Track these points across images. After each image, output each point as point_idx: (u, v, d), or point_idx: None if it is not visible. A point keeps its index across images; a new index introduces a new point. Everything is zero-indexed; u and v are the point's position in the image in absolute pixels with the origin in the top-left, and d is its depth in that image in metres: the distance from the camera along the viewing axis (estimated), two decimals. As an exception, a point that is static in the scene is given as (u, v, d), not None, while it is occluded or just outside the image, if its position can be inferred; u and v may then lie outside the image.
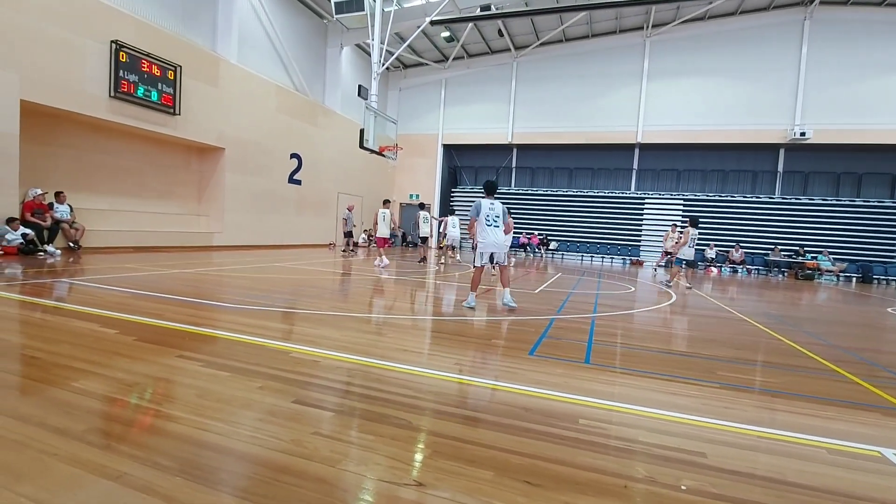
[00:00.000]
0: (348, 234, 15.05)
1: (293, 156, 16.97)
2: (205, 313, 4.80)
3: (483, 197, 6.32)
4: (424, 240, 13.61)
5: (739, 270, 19.05)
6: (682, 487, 1.93)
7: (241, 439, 2.10)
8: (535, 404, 2.78)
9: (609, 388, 3.18)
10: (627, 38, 20.85)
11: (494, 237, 6.15)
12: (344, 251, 15.60)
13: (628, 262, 21.11)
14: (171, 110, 12.10)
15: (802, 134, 18.47)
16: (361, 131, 12.53)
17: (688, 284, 11.25)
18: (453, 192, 24.53)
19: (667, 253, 13.58)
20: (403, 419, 2.43)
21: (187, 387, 2.73)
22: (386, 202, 12.31)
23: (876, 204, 18.74)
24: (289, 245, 16.81)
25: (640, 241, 21.43)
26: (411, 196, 24.65)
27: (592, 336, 4.81)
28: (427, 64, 23.14)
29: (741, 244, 19.49)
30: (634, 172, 22.17)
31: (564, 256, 22.22)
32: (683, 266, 11.12)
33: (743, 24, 19.43)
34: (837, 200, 19.19)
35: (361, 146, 12.62)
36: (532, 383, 3.16)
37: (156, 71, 11.64)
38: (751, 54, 19.35)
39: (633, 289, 10.37)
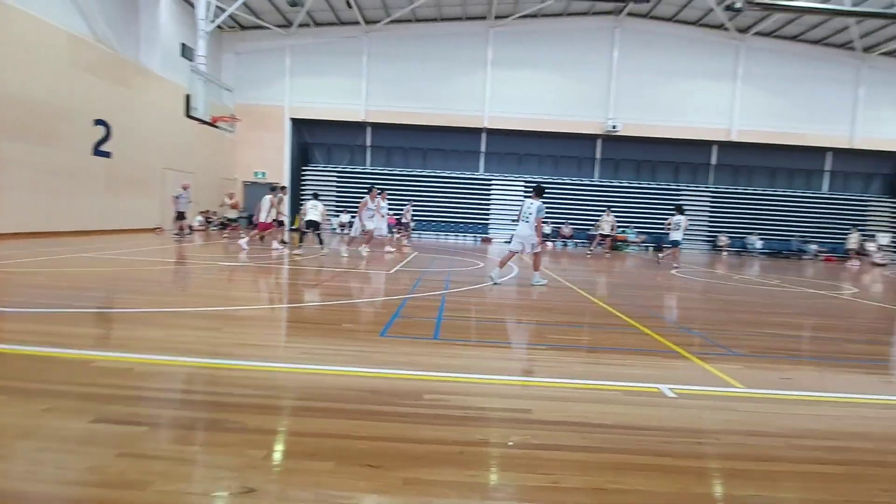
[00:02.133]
0: (180, 216, 13.25)
1: (99, 122, 14.12)
2: (-32, 321, 3.78)
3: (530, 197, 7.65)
4: (311, 225, 12.06)
5: (569, 244, 21.84)
6: (510, 443, 2.14)
7: (12, 479, 1.70)
8: (383, 385, 2.81)
9: (454, 360, 3.36)
10: (473, 26, 21.82)
11: (521, 230, 7.56)
12: (177, 235, 13.72)
13: (479, 239, 22.63)
14: None
15: (614, 127, 21.67)
16: (188, 97, 10.98)
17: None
18: (304, 170, 23.21)
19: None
20: (236, 422, 2.23)
21: (-68, 419, 2.10)
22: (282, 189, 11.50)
23: (665, 186, 23.07)
24: (100, 231, 14.12)
25: (488, 220, 23.07)
26: (257, 174, 22.64)
27: (442, 312, 5.04)
28: (268, 28, 21.17)
29: (570, 221, 22.32)
30: (482, 155, 23.63)
31: (421, 236, 22.85)
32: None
33: (569, 26, 21.79)
34: (639, 184, 23.12)
35: (188, 115, 11.08)
36: (381, 364, 3.17)
37: None
38: (575, 53, 21.86)
39: (482, 265, 11.14)
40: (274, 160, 22.50)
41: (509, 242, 8.10)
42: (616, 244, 20.74)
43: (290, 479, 1.77)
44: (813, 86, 21.96)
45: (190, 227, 15.41)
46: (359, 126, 23.21)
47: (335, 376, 2.93)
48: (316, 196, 12.27)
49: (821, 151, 23.44)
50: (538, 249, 7.65)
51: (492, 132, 23.00)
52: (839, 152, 23.36)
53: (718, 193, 23.20)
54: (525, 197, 7.73)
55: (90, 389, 2.52)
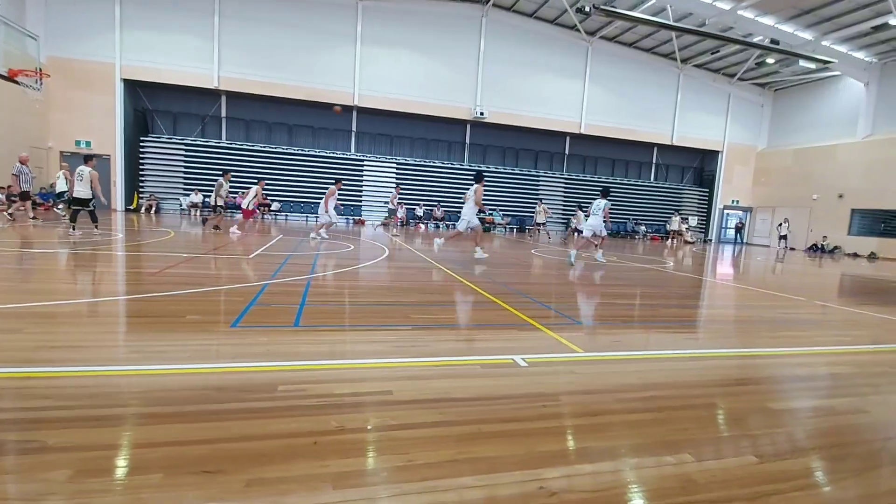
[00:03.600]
0: (25, 196, 10.89)
1: None
2: None
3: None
4: (78, 202, 9.94)
5: (440, 226, 22.47)
6: (368, 427, 2.09)
7: None
8: (232, 381, 2.55)
9: (315, 347, 3.20)
10: (342, -3, 20.82)
11: (591, 221, 10.34)
12: (10, 214, 11.20)
13: (352, 221, 22.08)
14: None
15: (482, 114, 22.68)
16: (-27, 43, 8.66)
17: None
18: (144, 141, 20.11)
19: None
20: (35, 441, 1.83)
21: None
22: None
23: (526, 173, 24.96)
24: None
25: (361, 201, 22.60)
26: (80, 143, 18.99)
27: (306, 298, 4.78)
28: (90, -32, 17.67)
29: (441, 204, 22.94)
30: (353, 134, 22.93)
31: (288, 218, 21.51)
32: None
33: (440, 9, 22.02)
34: (504, 169, 24.65)
35: (-25, 65, 8.77)
36: (231, 358, 2.89)
37: None
38: (446, 38, 22.24)
39: (352, 247, 10.88)
40: (102, 127, 19.10)
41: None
42: (485, 225, 21.96)
43: (104, 500, 1.50)
44: (645, 88, 25.48)
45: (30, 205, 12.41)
46: (212, 94, 20.80)
47: (173, 376, 2.58)
48: (87, 160, 9.91)
49: (650, 146, 27.47)
50: (604, 234, 10.35)
51: (363, 111, 22.43)
52: (663, 147, 27.62)
53: (571, 180, 25.85)
54: (595, 199, 10.65)
55: None
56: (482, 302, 5.20)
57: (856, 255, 21.55)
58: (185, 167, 20.46)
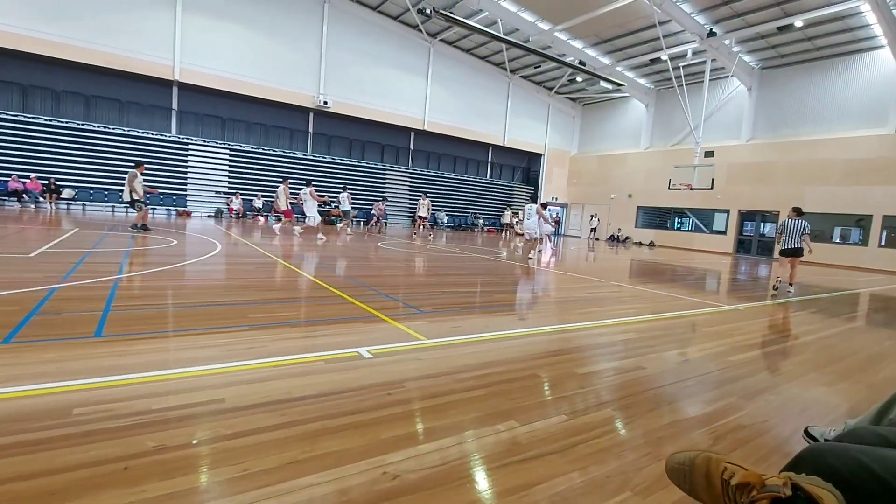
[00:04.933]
0: None
1: None
2: None
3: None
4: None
5: (282, 219, 21.08)
6: (194, 441, 1.88)
7: None
8: (5, 410, 2.04)
9: (123, 360, 2.74)
10: (156, -47, 17.90)
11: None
12: None
13: (175, 213, 19.34)
14: None
15: (325, 103, 21.86)
16: None
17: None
18: None
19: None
20: None
21: None
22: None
23: (373, 166, 24.91)
24: None
25: (186, 189, 19.92)
26: None
27: (111, 302, 4.05)
28: None
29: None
30: (175, 113, 20.03)
31: (87, 207, 17.86)
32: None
33: (277, -14, 20.44)
34: (350, 161, 24.22)
35: None
36: (2, 382, 2.30)
37: None
38: (285, 17, 20.77)
39: (176, 242, 9.55)
40: None
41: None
42: (331, 218, 21.32)
43: None
44: (481, 92, 27.51)
45: None
46: (-35, 47, 16.06)
47: None
48: None
49: (485, 146, 29.81)
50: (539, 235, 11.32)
51: (187, 88, 19.76)
52: (496, 148, 30.24)
53: (416, 175, 26.65)
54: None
55: None
56: (327, 297, 5.07)
57: (640, 244, 26.67)
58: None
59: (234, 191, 20.65)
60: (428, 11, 17.76)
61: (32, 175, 16.75)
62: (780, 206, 21.06)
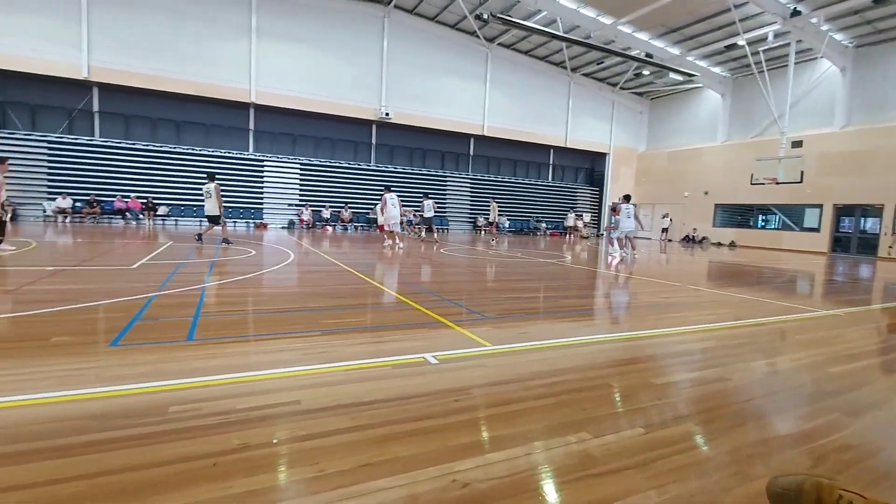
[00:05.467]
0: None
1: None
2: None
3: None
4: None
5: (349, 228, 21.98)
6: (274, 441, 1.98)
7: None
8: (113, 407, 2.27)
9: (211, 362, 2.96)
10: (233, -14, 19.46)
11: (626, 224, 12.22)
12: None
13: (252, 225, 20.77)
14: None
15: (387, 114, 22.55)
16: None
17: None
18: (-8, 137, 17.16)
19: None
20: None
21: None
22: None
23: (433, 174, 25.30)
24: None
25: (262, 203, 21.34)
26: None
27: (200, 309, 4.40)
28: None
29: (349, 205, 22.44)
30: (252, 133, 21.57)
31: (179, 223, 19.65)
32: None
33: (340, 6, 21.48)
34: (412, 170, 24.76)
35: None
36: (110, 381, 2.56)
37: None
38: (349, 36, 21.76)
39: (254, 252, 10.23)
40: (-66, 121, 15.97)
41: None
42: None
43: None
44: (540, 94, 27.10)
45: None
46: (81, 85, 18.36)
47: (36, 407, 2.23)
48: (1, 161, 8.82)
49: (546, 148, 29.28)
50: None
51: (262, 109, 21.22)
52: (558, 149, 29.59)
53: (476, 180, 26.71)
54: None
55: None
56: (393, 303, 5.18)
57: (719, 244, 24.87)
58: (49, 168, 17.81)
59: (305, 203, 21.80)
60: (485, 17, 17.81)
61: (133, 195, 18.73)
62: (883, 198, 18.79)
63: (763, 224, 24.74)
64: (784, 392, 2.95)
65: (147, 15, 18.19)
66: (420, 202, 24.32)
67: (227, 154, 20.63)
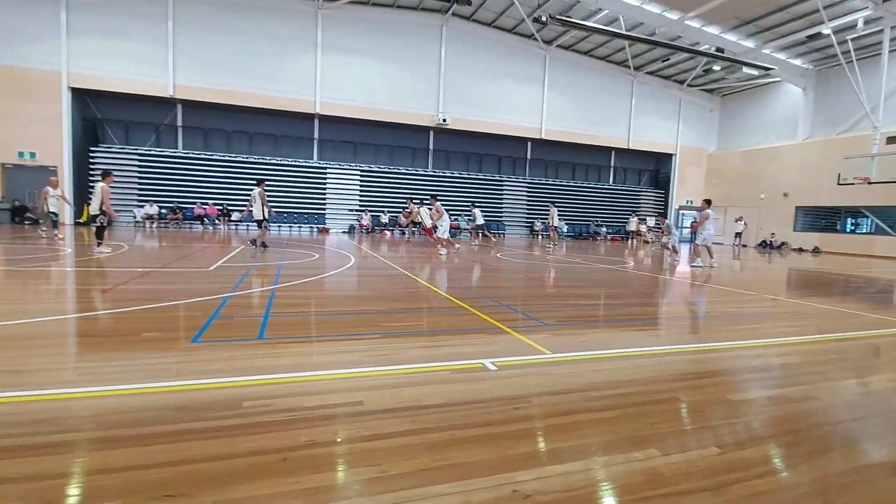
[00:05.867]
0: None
1: None
2: None
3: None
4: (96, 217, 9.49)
5: (406, 232, 22.39)
6: (338, 440, 2.05)
7: None
8: (192, 399, 2.45)
9: (280, 360, 3.12)
10: (300, 4, 20.52)
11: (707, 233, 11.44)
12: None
13: (316, 230, 21.70)
14: None
15: (444, 120, 22.81)
16: None
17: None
18: (94, 151, 19.14)
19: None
20: (-27, 473, 1.69)
21: None
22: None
23: (490, 178, 25.26)
24: None
25: (325, 209, 22.26)
26: (23, 155, 17.89)
27: (269, 309, 4.65)
28: (30, -29, 16.74)
29: (407, 210, 22.89)
30: (316, 142, 22.60)
31: (249, 228, 20.91)
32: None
33: (400, 18, 22.05)
34: (468, 175, 24.86)
35: None
36: (190, 375, 2.77)
37: None
38: (407, 46, 22.28)
39: (317, 256, 10.69)
40: (48, 137, 18.11)
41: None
42: (452, 231, 22.03)
43: (52, 535, 1.40)
44: (601, 94, 26.29)
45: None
46: (167, 102, 20.07)
47: (129, 397, 2.46)
48: (104, 176, 9.67)
49: (607, 150, 28.33)
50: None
51: (325, 119, 22.17)
52: (620, 151, 28.54)
53: (533, 184, 26.33)
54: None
55: None
56: (450, 307, 5.21)
57: (801, 250, 22.87)
58: (140, 178, 19.61)
59: (364, 208, 22.50)
60: (543, 19, 17.58)
61: (210, 202, 20.19)
62: None
63: (852, 228, 22.47)
64: (879, 416, 2.66)
65: (224, 37, 19.61)
66: (482, 207, 24.41)
67: (293, 162, 21.75)
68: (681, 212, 29.60)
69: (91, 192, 11.76)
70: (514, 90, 24.43)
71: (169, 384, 2.63)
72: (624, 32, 19.12)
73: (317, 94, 21.03)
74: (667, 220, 12.12)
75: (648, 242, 24.88)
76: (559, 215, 19.75)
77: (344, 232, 22.05)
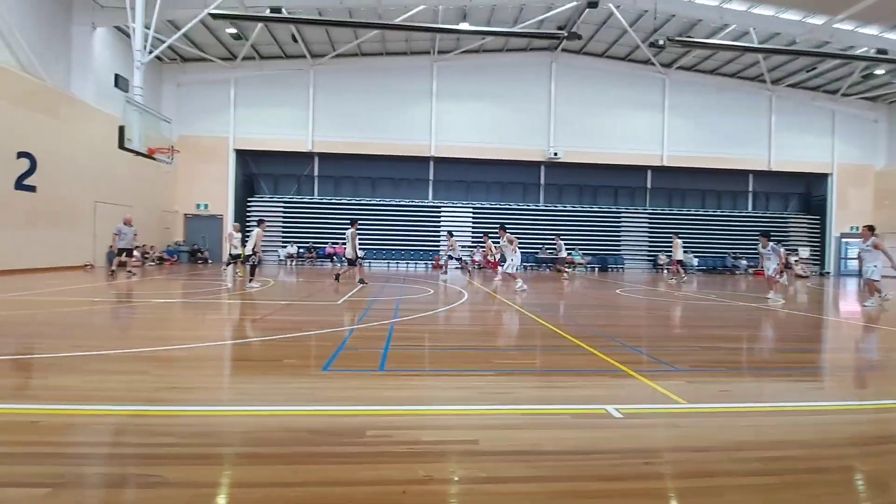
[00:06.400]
0: (123, 252, 12.29)
1: (22, 155, 13.12)
2: None
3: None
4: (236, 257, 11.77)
5: (518, 268, 22.23)
6: (455, 479, 2.04)
7: None
8: (323, 424, 2.64)
9: (400, 392, 3.24)
10: (418, 60, 22.37)
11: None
12: (112, 272, 12.69)
13: (430, 266, 22.60)
14: None
15: (556, 154, 22.62)
16: (121, 128, 10.42)
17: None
18: (250, 201, 22.50)
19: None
20: (155, 476, 2.00)
21: None
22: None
23: (605, 210, 24.18)
24: (14, 270, 12.86)
25: (438, 246, 23.15)
26: (199, 206, 21.71)
27: (389, 342, 4.90)
28: (211, 60, 20.72)
29: (519, 246, 22.80)
30: (431, 183, 23.89)
31: (372, 264, 22.53)
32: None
33: (509, 60, 22.82)
34: (581, 207, 24.11)
35: (122, 146, 10.50)
36: (322, 401, 3.00)
37: None
38: (516, 85, 22.85)
39: (432, 291, 11.07)
40: (217, 191, 21.73)
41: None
42: (566, 265, 21.35)
43: (210, 540, 1.58)
44: (732, 114, 23.99)
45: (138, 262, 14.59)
46: (306, 156, 22.98)
47: (272, 417, 2.74)
48: (259, 223, 11.67)
49: (744, 174, 25.47)
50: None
51: (439, 160, 23.39)
52: (759, 174, 25.46)
53: (655, 215, 24.55)
54: None
55: (-21, 453, 2.20)
56: (567, 346, 4.98)
57: None
58: (283, 222, 22.47)
59: (476, 244, 22.93)
60: (661, 43, 16.78)
61: (339, 243, 22.27)
62: None
63: None
64: None
65: (353, 95, 22.12)
66: (598, 240, 23.43)
67: (410, 203, 23.21)
68: (843, 240, 25.16)
69: (247, 236, 13.76)
70: (630, 118, 23.45)
71: (303, 408, 2.88)
72: (757, 46, 17.41)
73: (432, 139, 22.41)
74: (771, 242, 9.98)
75: (803, 277, 21.45)
76: (685, 247, 18.05)
77: (456, 268, 22.62)
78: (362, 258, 13.37)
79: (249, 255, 10.93)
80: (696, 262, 23.38)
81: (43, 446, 2.28)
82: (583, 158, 23.21)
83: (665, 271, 22.07)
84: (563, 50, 22.54)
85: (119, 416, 2.69)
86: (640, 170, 24.65)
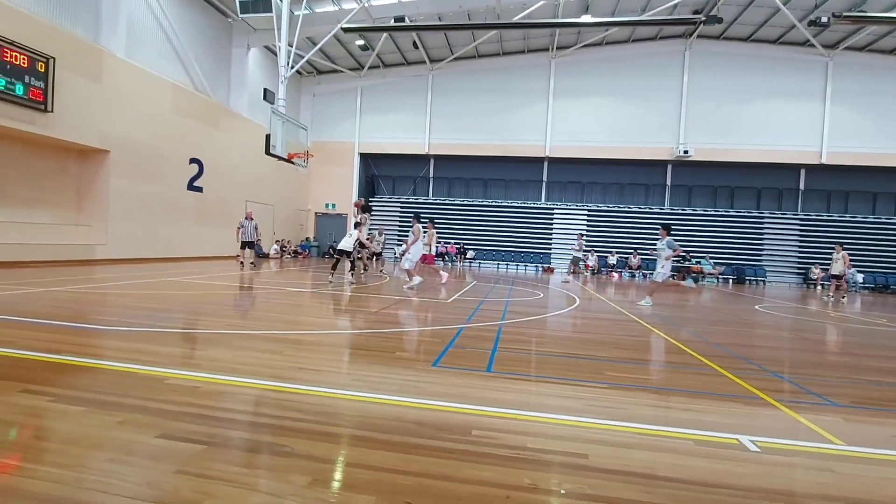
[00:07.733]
0: (245, 245, 13.89)
1: (193, 161, 15.72)
2: (68, 338, 4.19)
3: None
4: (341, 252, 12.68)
5: (636, 275, 20.74)
6: (562, 492, 1.97)
7: (81, 486, 1.80)
8: (430, 418, 2.73)
9: (506, 395, 3.22)
10: (535, 58, 22.04)
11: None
12: (243, 263, 14.48)
13: (540, 269, 22.14)
14: (42, 106, 10.65)
15: (686, 152, 20.66)
16: (268, 137, 11.91)
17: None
18: (370, 201, 24.17)
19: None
20: (285, 446, 2.25)
21: (25, 427, 2.32)
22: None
23: (745, 214, 21.45)
24: (187, 258, 15.47)
25: (550, 249, 22.57)
26: (327, 205, 23.96)
27: (497, 343, 4.90)
28: (342, 71, 22.72)
29: (638, 251, 21.26)
30: (544, 184, 23.38)
31: (481, 265, 22.77)
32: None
33: (634, 52, 21.39)
34: (715, 211, 21.68)
35: (268, 152, 12.01)
36: (430, 396, 3.11)
37: (21, 61, 10.20)
38: (641, 79, 21.34)
39: (542, 295, 10.83)
40: (343, 192, 23.74)
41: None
42: (692, 275, 19.44)
43: (329, 512, 1.73)
44: (919, 102, 19.75)
45: (265, 255, 16.42)
46: (422, 158, 24.02)
47: (384, 405, 2.90)
48: (356, 226, 12.44)
49: (933, 174, 20.84)
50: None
51: (554, 161, 22.83)
52: (958, 174, 20.64)
53: (808, 221, 21.19)
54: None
55: (161, 405, 2.67)
56: (691, 364, 4.52)
57: None
58: (401, 222, 23.76)
59: (590, 248, 21.88)
60: (825, 20, 14.39)
61: (451, 242, 22.88)
62: None
63: None
64: None
65: (468, 97, 22.55)
66: (734, 248, 20.93)
67: (522, 204, 22.96)
68: None
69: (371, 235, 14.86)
70: (779, 109, 20.53)
71: (412, 400, 3.01)
72: (962, 15, 14.06)
73: (547, 139, 21.94)
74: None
75: None
76: (851, 261, 15.18)
77: (573, 272, 21.84)
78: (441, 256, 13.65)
79: (377, 253, 11.86)
80: (860, 277, 19.69)
81: (201, 408, 2.70)
82: (718, 156, 20.93)
83: (820, 287, 18.94)
84: (700, 36, 20.53)
85: (258, 389, 3.08)
86: (790, 168, 21.49)
